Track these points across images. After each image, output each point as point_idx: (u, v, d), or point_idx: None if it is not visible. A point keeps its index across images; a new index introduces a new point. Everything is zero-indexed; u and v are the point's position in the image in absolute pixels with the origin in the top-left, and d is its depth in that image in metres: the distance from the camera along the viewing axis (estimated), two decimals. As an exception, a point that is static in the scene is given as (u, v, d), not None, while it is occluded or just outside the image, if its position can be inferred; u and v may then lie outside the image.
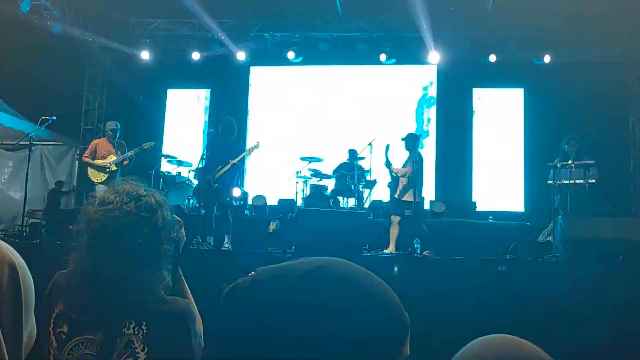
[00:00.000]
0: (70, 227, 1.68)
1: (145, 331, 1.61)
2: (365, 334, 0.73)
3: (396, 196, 7.94)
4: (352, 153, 9.93)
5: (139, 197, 1.68)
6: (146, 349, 1.60)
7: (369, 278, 0.79)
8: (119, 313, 1.61)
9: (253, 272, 0.79)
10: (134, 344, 1.59)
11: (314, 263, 0.78)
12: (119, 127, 8.40)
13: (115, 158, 8.25)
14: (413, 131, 9.72)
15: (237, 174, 8.09)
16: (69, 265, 1.67)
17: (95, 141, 8.73)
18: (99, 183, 8.15)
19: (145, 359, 1.59)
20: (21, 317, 0.90)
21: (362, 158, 9.73)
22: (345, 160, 9.93)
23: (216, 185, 7.72)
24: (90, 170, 8.29)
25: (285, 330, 0.72)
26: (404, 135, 8.17)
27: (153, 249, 1.65)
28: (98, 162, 8.25)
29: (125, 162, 8.28)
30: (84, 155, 8.45)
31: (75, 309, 1.63)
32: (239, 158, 7.80)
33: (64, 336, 1.61)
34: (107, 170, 8.20)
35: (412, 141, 8.08)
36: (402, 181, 7.89)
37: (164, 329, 1.59)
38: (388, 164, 8.08)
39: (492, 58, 11.73)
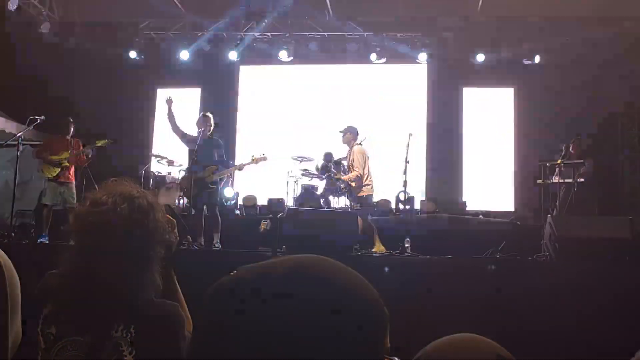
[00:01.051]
0: (62, 227, 1.65)
1: (133, 334, 1.59)
2: (346, 329, 0.74)
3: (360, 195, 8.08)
4: (327, 156, 9.89)
5: (132, 198, 1.65)
6: (134, 352, 1.58)
7: (348, 274, 0.80)
8: (108, 315, 1.59)
9: (235, 271, 0.79)
10: (122, 347, 1.58)
11: (295, 261, 0.79)
12: (71, 123, 8.50)
13: (69, 154, 8.27)
14: (407, 130, 9.66)
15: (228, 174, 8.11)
16: (59, 265, 1.65)
17: (49, 137, 8.70)
18: (51, 180, 8.18)
19: None
20: (6, 318, 0.88)
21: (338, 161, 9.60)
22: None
23: (214, 187, 7.75)
24: (44, 166, 8.30)
25: (269, 328, 0.72)
26: (342, 128, 8.28)
27: (145, 251, 1.63)
28: (52, 157, 8.26)
29: (80, 160, 8.38)
30: (38, 150, 8.43)
31: (64, 310, 1.61)
32: (244, 165, 7.85)
33: (52, 337, 1.60)
34: (61, 165, 8.24)
35: (355, 135, 8.17)
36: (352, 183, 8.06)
37: (152, 332, 1.58)
38: (334, 177, 8.26)
39: (480, 57, 11.78)
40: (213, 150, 7.85)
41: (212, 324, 0.77)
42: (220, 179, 8.15)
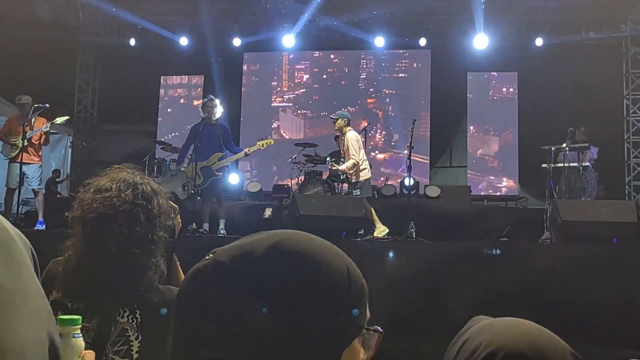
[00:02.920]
0: (66, 214, 1.65)
1: (139, 320, 1.61)
2: (328, 303, 0.75)
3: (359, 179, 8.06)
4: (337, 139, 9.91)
5: (135, 184, 1.65)
6: (140, 337, 1.60)
7: (326, 248, 0.81)
8: (114, 301, 1.60)
9: (211, 254, 0.79)
10: (128, 332, 1.60)
11: (272, 238, 0.78)
12: (30, 102, 8.10)
13: (28, 133, 7.96)
14: (411, 116, 9.61)
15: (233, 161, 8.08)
16: (63, 252, 1.66)
17: (11, 118, 8.49)
18: (11, 160, 8.00)
19: (139, 347, 1.60)
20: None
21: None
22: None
23: (219, 174, 7.72)
24: (2, 147, 8.12)
25: (250, 310, 0.72)
26: (334, 114, 8.23)
27: (149, 236, 1.63)
28: (9, 138, 8.02)
29: (37, 138, 8.07)
30: None
31: (70, 296, 1.62)
32: (251, 150, 7.78)
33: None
34: (18, 146, 7.95)
35: (347, 121, 8.09)
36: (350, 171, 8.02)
37: (157, 318, 1.58)
38: (331, 169, 8.25)
39: (484, 41, 11.73)
40: (219, 136, 7.78)
41: (193, 310, 0.77)
42: (226, 165, 8.10)
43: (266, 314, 0.72)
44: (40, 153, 8.33)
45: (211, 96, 8.00)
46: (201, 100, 12.73)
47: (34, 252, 0.83)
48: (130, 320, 1.60)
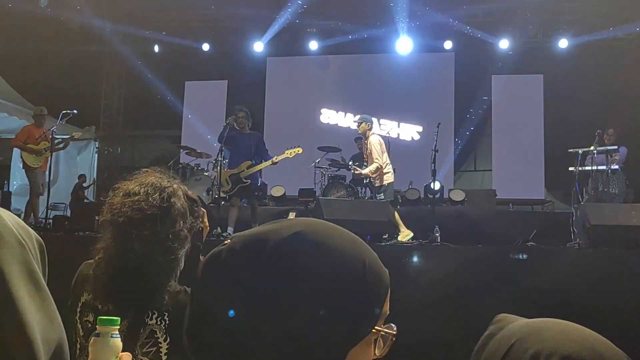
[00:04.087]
0: (96, 218, 1.68)
1: (167, 322, 1.63)
2: (345, 296, 0.73)
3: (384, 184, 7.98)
4: (360, 140, 9.92)
5: (163, 188, 1.68)
6: (168, 339, 1.62)
7: (346, 239, 0.79)
8: (142, 303, 1.63)
9: (228, 240, 0.79)
10: (157, 334, 1.62)
11: (293, 228, 0.76)
12: (45, 112, 8.61)
13: (48, 144, 8.36)
14: (435, 121, 9.55)
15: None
16: (94, 255, 1.69)
17: (27, 127, 8.80)
18: (37, 168, 8.34)
19: (168, 349, 1.62)
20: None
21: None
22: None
23: (247, 182, 7.80)
24: (25, 155, 8.41)
25: (263, 299, 0.72)
26: (356, 118, 8.18)
27: (176, 240, 1.65)
28: (32, 147, 8.38)
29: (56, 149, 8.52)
30: (17, 139, 8.53)
31: (100, 298, 1.65)
32: (278, 159, 7.84)
33: (89, 325, 1.64)
34: (42, 155, 8.38)
35: (370, 124, 8.02)
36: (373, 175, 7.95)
37: (184, 320, 1.60)
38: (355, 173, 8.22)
39: (504, 44, 11.66)
40: (251, 146, 7.87)
41: (206, 297, 0.77)
42: (259, 172, 8.16)
43: (267, 305, 0.71)
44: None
45: (243, 108, 8.03)
46: (225, 105, 12.94)
47: (45, 250, 0.90)
48: (159, 322, 1.63)
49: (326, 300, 0.72)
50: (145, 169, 1.76)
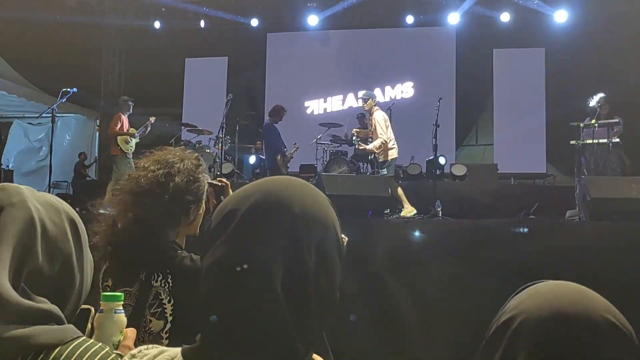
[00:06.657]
0: (116, 187, 1.89)
1: (170, 284, 1.73)
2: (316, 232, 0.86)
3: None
4: (362, 118, 9.90)
5: (172, 164, 1.81)
6: (172, 300, 1.72)
7: (311, 194, 0.89)
8: (149, 266, 1.75)
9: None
10: (161, 295, 1.73)
11: (264, 188, 0.88)
12: (129, 101, 9.01)
13: (137, 130, 8.78)
14: (436, 95, 9.52)
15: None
16: (115, 221, 1.81)
17: (119, 115, 8.96)
18: (127, 154, 8.63)
19: (172, 309, 1.72)
20: (82, 265, 1.05)
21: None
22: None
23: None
24: (121, 142, 8.66)
25: (232, 254, 0.86)
26: (362, 94, 8.20)
27: (183, 208, 1.81)
28: (132, 131, 8.79)
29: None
30: (114, 127, 8.78)
31: (115, 264, 1.78)
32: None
33: (108, 289, 1.77)
34: (135, 141, 8.73)
35: (375, 100, 8.06)
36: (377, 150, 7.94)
37: (187, 283, 1.68)
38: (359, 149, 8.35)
39: (505, 17, 11.55)
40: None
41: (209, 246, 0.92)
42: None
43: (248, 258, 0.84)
44: None
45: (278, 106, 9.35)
46: (226, 81, 12.91)
47: (76, 224, 1.07)
48: (163, 284, 1.74)
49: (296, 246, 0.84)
50: (161, 146, 1.91)
